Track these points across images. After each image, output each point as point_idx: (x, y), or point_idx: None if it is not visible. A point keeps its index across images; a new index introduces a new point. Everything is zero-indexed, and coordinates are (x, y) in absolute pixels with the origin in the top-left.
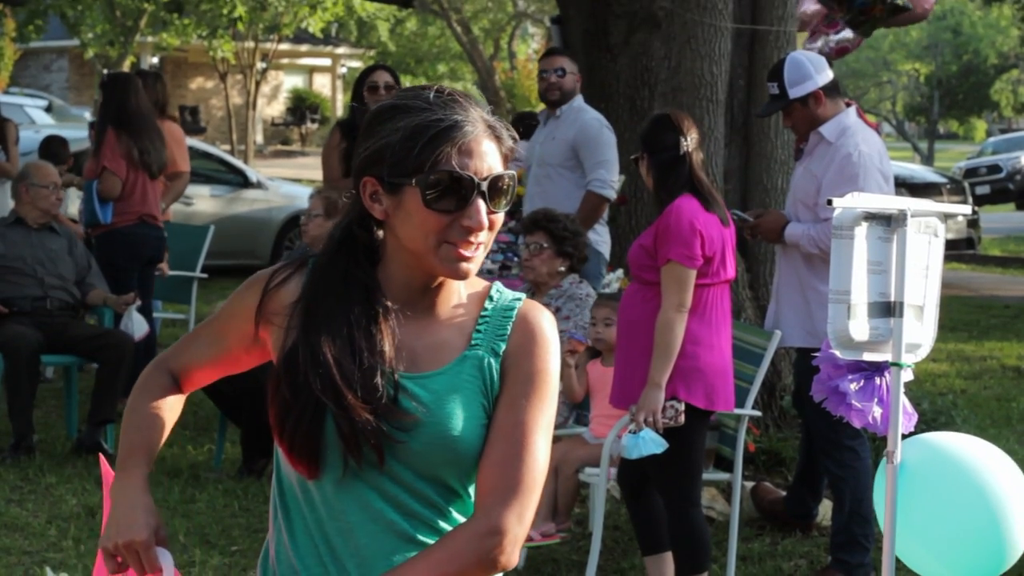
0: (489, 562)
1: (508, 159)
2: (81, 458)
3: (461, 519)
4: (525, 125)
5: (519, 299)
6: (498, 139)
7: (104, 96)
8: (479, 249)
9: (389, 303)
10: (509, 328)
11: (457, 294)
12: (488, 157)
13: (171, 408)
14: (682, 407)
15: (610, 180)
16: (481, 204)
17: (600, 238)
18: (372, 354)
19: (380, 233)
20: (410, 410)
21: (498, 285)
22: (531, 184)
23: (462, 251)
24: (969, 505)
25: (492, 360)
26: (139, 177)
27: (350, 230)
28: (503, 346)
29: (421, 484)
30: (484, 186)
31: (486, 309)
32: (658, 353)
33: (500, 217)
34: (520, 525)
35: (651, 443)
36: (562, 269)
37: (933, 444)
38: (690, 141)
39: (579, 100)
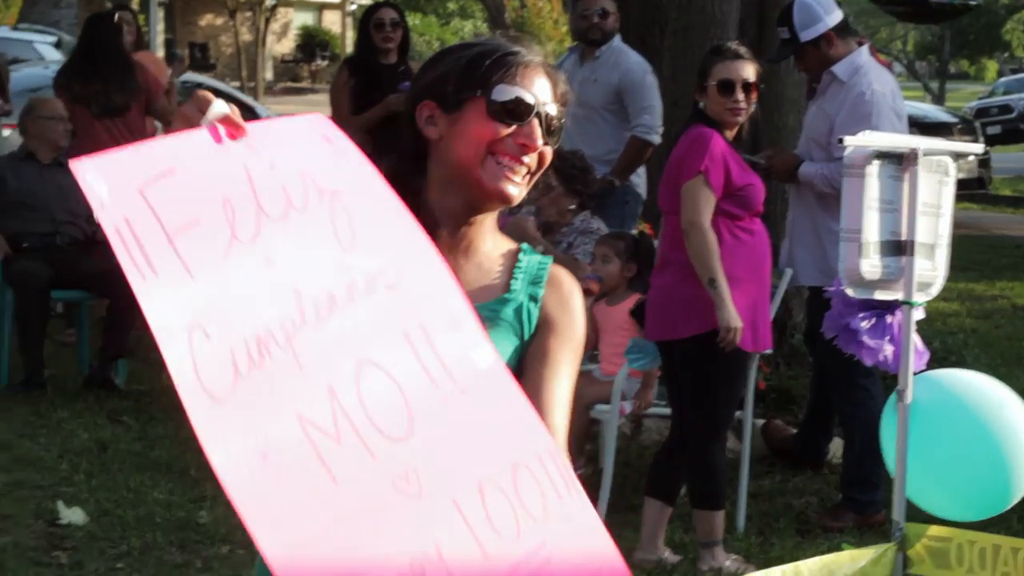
0: None
1: (560, 102)
2: (92, 393)
3: None
4: None
5: (549, 259)
6: (553, 81)
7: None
8: (525, 178)
9: (441, 232)
10: (545, 278)
11: (492, 241)
12: (545, 91)
13: None
14: None
15: (655, 125)
16: (537, 125)
17: (640, 180)
18: None
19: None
20: None
21: (524, 246)
22: (570, 125)
23: (508, 172)
24: (977, 441)
25: (531, 305)
26: (88, 119)
27: (399, 165)
28: (540, 293)
29: None
30: (543, 109)
31: (520, 260)
32: None
33: (550, 154)
34: None
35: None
36: (572, 207)
37: (941, 381)
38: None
39: (618, 41)
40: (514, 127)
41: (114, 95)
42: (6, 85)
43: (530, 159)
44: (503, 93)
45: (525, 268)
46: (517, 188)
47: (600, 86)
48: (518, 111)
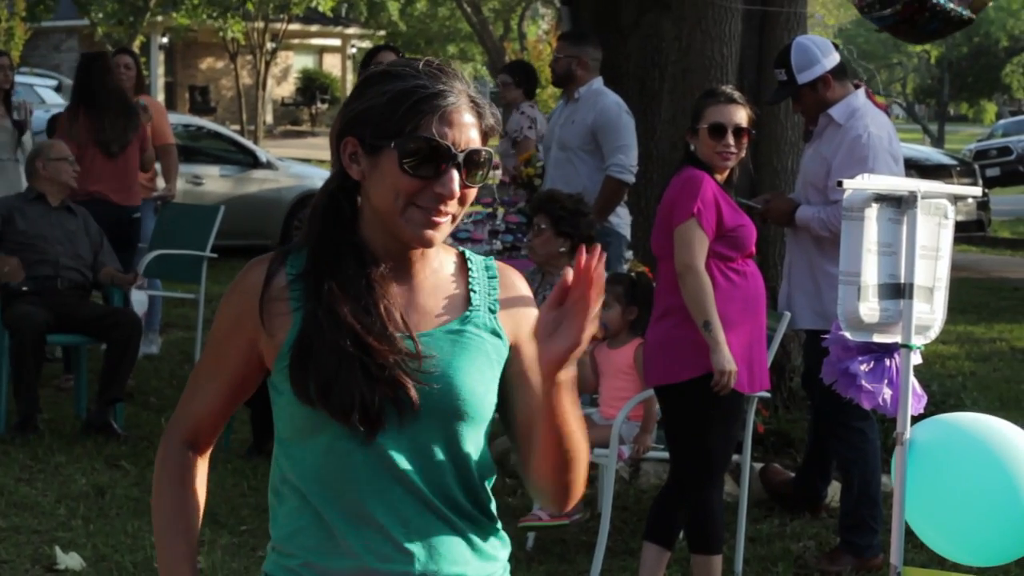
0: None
1: (487, 136)
2: (90, 438)
3: (471, 492)
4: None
5: (491, 259)
6: (479, 115)
7: (76, 78)
8: (447, 218)
9: (382, 265)
10: (498, 286)
11: (438, 259)
12: (467, 130)
13: (197, 491)
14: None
15: (629, 165)
16: (455, 174)
17: (621, 220)
18: (382, 313)
19: (359, 199)
20: (430, 356)
21: (465, 249)
22: (551, 167)
23: (431, 217)
24: (987, 486)
25: (491, 318)
26: (95, 154)
27: (334, 197)
28: (498, 305)
29: (437, 447)
30: (460, 157)
31: (471, 270)
32: None
33: (473, 192)
34: None
35: None
36: (563, 250)
37: (949, 425)
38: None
39: (598, 83)
40: (430, 180)
41: (115, 135)
42: (27, 128)
43: (450, 206)
44: (415, 147)
45: (478, 278)
46: (438, 232)
47: (577, 127)
48: (431, 163)
